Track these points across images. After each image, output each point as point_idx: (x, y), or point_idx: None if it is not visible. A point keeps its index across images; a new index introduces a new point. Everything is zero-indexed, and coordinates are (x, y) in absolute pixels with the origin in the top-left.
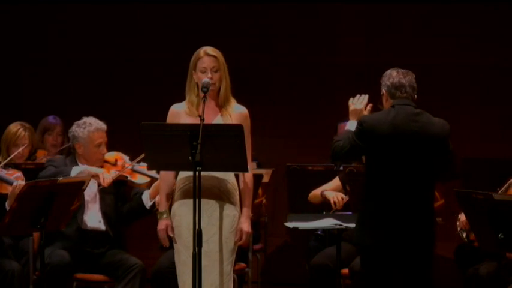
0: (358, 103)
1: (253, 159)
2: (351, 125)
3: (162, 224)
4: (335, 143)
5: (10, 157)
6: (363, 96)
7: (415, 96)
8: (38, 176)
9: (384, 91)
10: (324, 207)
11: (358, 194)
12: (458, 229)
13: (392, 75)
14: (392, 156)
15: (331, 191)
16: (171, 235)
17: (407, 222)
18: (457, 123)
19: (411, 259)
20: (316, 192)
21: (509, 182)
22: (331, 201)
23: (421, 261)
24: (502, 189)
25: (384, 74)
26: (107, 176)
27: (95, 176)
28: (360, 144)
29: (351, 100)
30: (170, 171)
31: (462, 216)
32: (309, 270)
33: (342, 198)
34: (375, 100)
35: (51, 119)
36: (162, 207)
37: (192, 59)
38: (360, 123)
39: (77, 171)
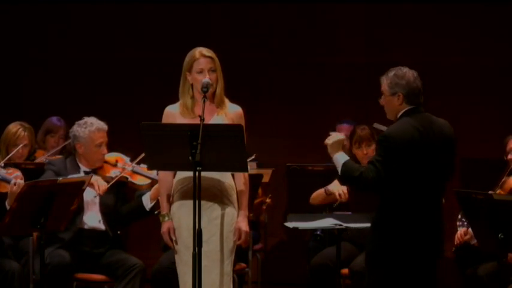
0: (335, 136)
1: (253, 159)
2: (342, 157)
3: (164, 227)
4: (360, 176)
5: (9, 156)
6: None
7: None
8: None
9: (400, 94)
10: (325, 206)
11: (358, 195)
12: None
13: (410, 80)
14: (421, 161)
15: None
16: (173, 238)
17: (435, 226)
18: (457, 123)
19: (433, 262)
20: (319, 191)
21: (502, 180)
22: (336, 194)
23: (435, 264)
24: (497, 187)
25: (397, 74)
26: (102, 183)
27: (90, 185)
28: (391, 160)
29: (327, 139)
30: (169, 172)
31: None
32: (309, 270)
33: (347, 191)
34: (374, 99)
35: (55, 120)
36: (164, 209)
37: (187, 60)
38: (385, 139)
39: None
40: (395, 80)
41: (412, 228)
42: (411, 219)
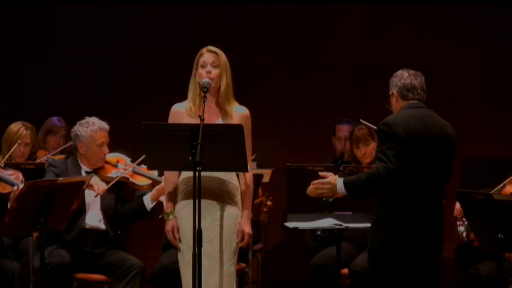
0: (330, 188)
1: (253, 159)
2: (339, 181)
3: (168, 225)
4: (371, 175)
5: (9, 153)
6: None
7: (425, 97)
8: None
9: (394, 91)
10: (325, 206)
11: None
12: (454, 218)
13: (404, 76)
14: (421, 150)
15: None
16: (177, 236)
17: (436, 223)
18: (458, 123)
19: (435, 260)
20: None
21: (505, 182)
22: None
23: (437, 262)
24: (497, 188)
25: (394, 74)
26: (101, 183)
27: (89, 186)
28: (397, 145)
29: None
30: (174, 172)
31: (457, 205)
32: (309, 270)
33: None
34: (374, 99)
35: (56, 121)
36: (168, 207)
37: (195, 59)
38: (387, 126)
39: None
40: (391, 80)
41: (413, 224)
42: (412, 215)
